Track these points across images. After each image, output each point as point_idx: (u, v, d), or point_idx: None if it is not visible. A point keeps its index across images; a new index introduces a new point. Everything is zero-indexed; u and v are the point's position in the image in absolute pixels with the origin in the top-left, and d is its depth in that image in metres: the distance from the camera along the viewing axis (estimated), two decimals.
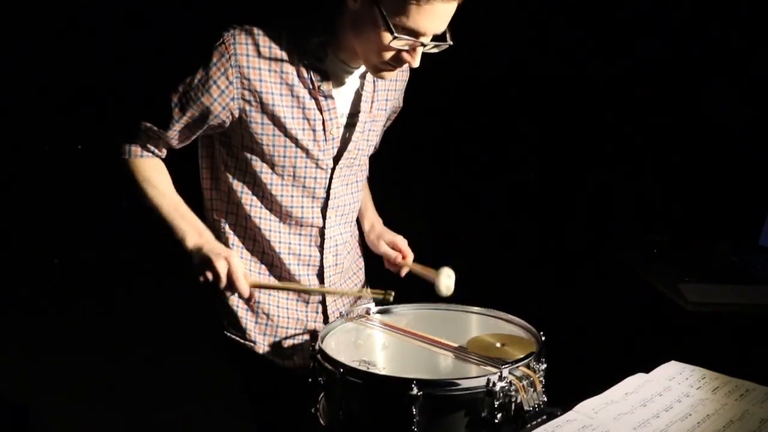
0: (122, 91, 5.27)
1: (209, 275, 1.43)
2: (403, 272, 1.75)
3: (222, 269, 1.41)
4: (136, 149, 1.51)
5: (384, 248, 1.77)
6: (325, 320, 1.66)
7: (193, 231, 1.48)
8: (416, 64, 1.39)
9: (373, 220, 1.84)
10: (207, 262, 1.42)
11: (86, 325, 4.44)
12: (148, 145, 1.52)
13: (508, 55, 3.84)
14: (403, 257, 1.74)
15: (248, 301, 1.48)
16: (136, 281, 5.21)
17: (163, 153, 1.56)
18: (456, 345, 1.37)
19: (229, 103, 1.45)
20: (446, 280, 1.57)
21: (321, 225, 1.61)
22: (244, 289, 1.43)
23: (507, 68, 3.87)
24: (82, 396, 3.50)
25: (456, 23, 1.37)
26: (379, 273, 1.87)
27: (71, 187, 5.49)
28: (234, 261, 1.43)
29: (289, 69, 1.47)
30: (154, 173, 1.52)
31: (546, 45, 3.73)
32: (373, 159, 1.75)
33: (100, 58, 5.47)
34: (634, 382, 1.26)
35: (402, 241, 1.77)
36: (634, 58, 3.44)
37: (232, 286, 1.43)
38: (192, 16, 4.77)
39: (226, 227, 1.60)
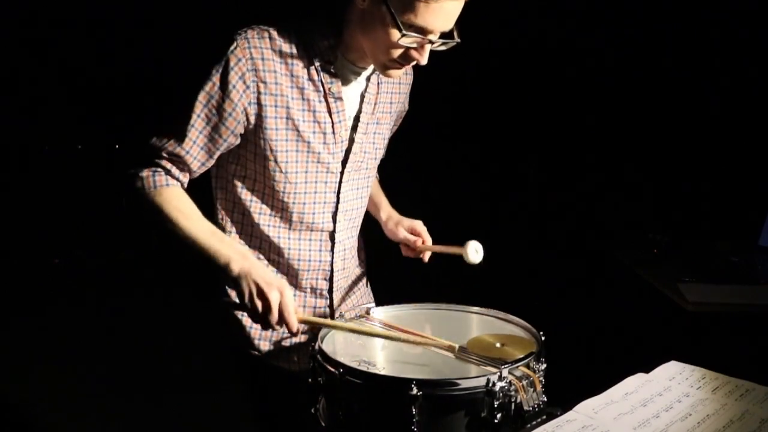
0: (124, 98, 5.28)
1: (258, 304, 1.33)
2: (426, 257, 1.75)
3: (274, 301, 1.32)
4: (160, 179, 1.43)
5: (403, 234, 1.77)
6: None
7: (237, 255, 1.38)
8: (424, 61, 1.39)
9: (389, 211, 1.85)
10: (258, 290, 1.33)
11: (86, 325, 4.44)
12: (172, 171, 1.45)
13: (510, 54, 3.84)
14: (423, 242, 1.75)
15: (294, 335, 1.38)
16: (137, 281, 5.21)
17: (186, 179, 1.49)
18: (456, 345, 1.37)
19: (247, 107, 1.43)
20: (474, 253, 1.59)
21: (332, 229, 1.61)
22: (294, 324, 1.34)
23: (508, 67, 3.88)
24: (83, 396, 3.50)
25: (461, 21, 1.38)
26: (380, 278, 1.88)
27: (71, 187, 5.49)
28: (287, 293, 1.34)
29: (300, 72, 1.46)
30: (182, 202, 1.44)
31: (547, 44, 3.73)
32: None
33: (101, 59, 5.47)
34: (634, 382, 1.26)
35: (421, 226, 1.76)
36: (636, 57, 3.44)
37: (281, 319, 1.34)
38: (197, 19, 4.77)
39: (233, 234, 1.59)
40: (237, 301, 1.39)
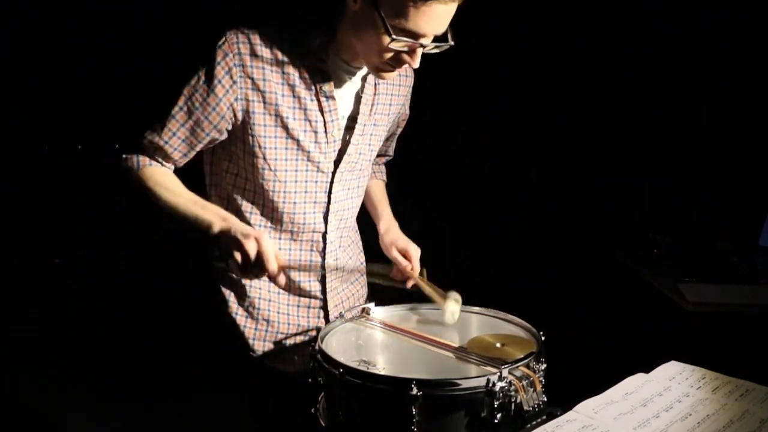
0: (123, 99, 5.29)
1: (238, 256, 1.36)
2: (409, 284, 1.68)
3: (252, 249, 1.35)
4: (143, 159, 1.48)
5: (395, 254, 1.72)
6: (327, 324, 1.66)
7: (217, 217, 1.42)
8: (416, 65, 1.39)
9: (389, 224, 1.81)
10: (236, 243, 1.36)
11: (86, 325, 4.44)
12: (156, 157, 1.50)
13: (509, 53, 3.84)
14: (412, 268, 1.68)
15: (274, 281, 1.40)
16: (136, 281, 5.21)
17: (170, 167, 1.52)
18: (456, 345, 1.37)
19: (233, 103, 1.44)
20: (453, 306, 1.50)
21: (323, 230, 1.60)
22: (273, 268, 1.37)
23: (507, 67, 3.87)
24: (82, 396, 3.50)
25: (458, 22, 1.37)
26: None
27: (71, 187, 5.50)
28: (264, 240, 1.36)
29: (291, 69, 1.46)
30: (165, 177, 1.49)
31: (547, 44, 3.73)
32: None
33: (100, 59, 5.47)
34: (634, 382, 1.26)
35: (414, 251, 1.70)
36: (636, 57, 3.44)
37: (261, 266, 1.36)
38: (192, 17, 4.78)
39: None
40: (223, 263, 1.44)
